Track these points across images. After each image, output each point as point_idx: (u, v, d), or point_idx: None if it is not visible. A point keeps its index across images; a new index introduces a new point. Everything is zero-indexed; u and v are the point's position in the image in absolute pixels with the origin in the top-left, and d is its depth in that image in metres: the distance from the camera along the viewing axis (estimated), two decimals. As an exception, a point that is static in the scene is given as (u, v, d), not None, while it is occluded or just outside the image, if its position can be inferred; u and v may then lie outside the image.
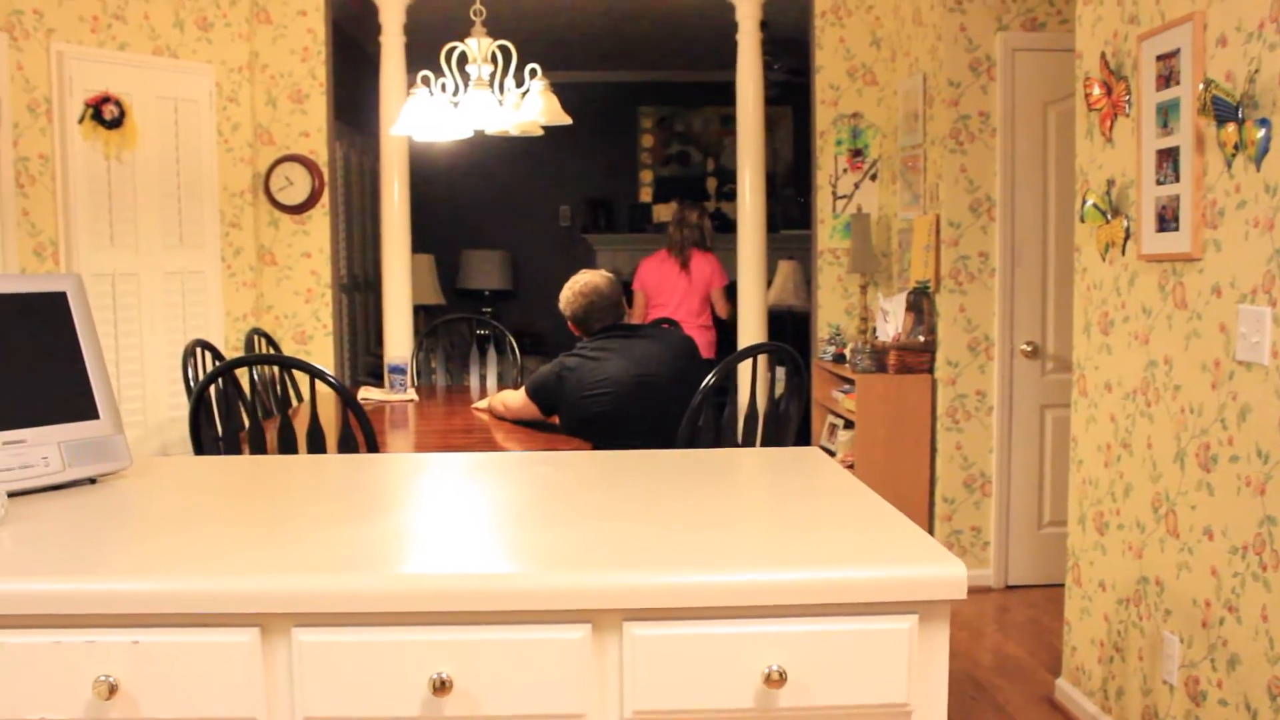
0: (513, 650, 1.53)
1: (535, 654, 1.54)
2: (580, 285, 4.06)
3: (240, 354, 5.48)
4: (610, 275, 4.13)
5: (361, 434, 3.17)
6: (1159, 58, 3.07)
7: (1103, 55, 3.39)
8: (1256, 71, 2.64)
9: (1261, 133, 2.60)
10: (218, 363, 4.29)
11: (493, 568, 1.61)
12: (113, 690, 1.51)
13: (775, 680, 1.52)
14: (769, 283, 6.82)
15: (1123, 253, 3.33)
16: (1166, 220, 3.05)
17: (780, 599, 1.53)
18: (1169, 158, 3.03)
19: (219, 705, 1.54)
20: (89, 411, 2.17)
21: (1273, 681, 2.59)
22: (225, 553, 1.69)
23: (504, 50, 4.16)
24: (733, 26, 5.90)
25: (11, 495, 1.99)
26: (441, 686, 1.52)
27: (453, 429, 4.21)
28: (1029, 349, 4.94)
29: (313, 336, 5.83)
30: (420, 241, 6.15)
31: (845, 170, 5.84)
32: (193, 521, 1.95)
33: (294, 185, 5.67)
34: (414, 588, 1.54)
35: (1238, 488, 2.74)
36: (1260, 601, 2.64)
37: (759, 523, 1.97)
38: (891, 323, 5.24)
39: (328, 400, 4.49)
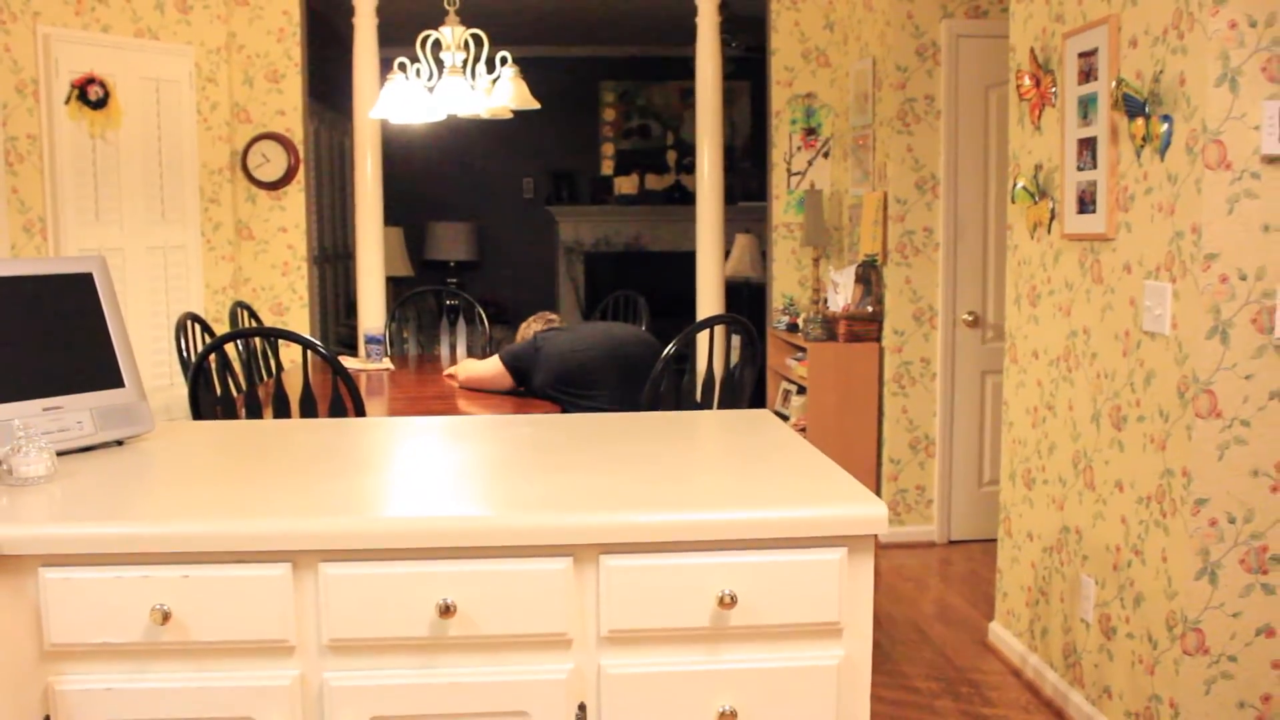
0: (506, 579, 1.82)
1: (525, 582, 1.82)
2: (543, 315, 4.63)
3: (222, 324, 5.70)
4: None
5: (351, 400, 3.43)
6: (1080, 54, 3.36)
7: (1032, 50, 3.68)
8: (1161, 72, 2.94)
9: (1165, 127, 2.91)
10: (207, 335, 4.52)
11: (489, 510, 1.89)
12: (166, 617, 1.78)
13: (727, 603, 1.82)
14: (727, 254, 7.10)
15: (1049, 232, 3.64)
16: (1086, 203, 3.36)
17: (732, 534, 1.83)
18: (1088, 146, 3.34)
19: (257, 629, 1.81)
20: (116, 380, 2.42)
21: (1170, 615, 2.92)
22: (257, 500, 1.96)
23: (476, 38, 4.40)
24: (691, 5, 6.13)
25: (53, 455, 2.24)
26: (446, 610, 1.80)
27: (427, 395, 4.48)
28: (970, 318, 5.26)
29: (289, 308, 6.06)
30: (388, 214, 6.36)
31: (799, 148, 6.12)
32: (220, 475, 2.22)
33: (270, 162, 5.88)
34: (423, 527, 1.82)
35: (1144, 444, 3.06)
36: (1160, 545, 2.97)
37: (715, 473, 2.26)
38: (842, 294, 5.54)
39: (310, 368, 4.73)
